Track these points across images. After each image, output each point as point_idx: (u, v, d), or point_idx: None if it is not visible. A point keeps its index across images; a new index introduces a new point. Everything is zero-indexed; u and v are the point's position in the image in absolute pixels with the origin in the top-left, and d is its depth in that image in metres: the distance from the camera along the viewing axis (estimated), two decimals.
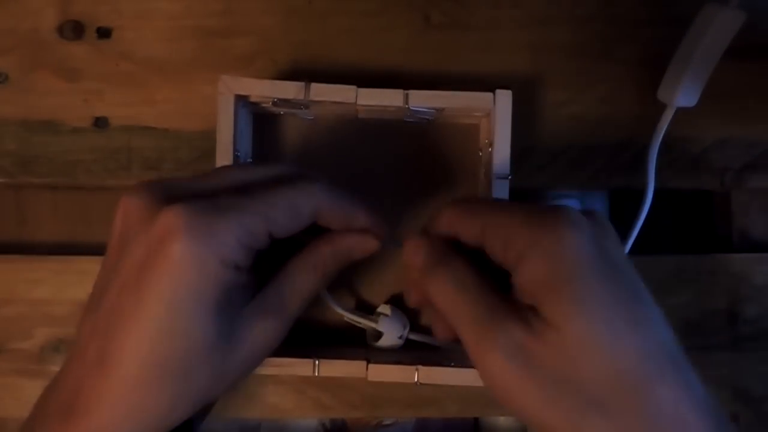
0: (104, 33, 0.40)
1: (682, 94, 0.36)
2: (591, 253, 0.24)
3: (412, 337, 0.36)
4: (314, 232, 0.30)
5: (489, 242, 0.27)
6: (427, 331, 0.37)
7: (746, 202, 0.41)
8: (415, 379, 0.33)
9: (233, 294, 0.25)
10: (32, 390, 0.39)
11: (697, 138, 0.40)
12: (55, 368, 0.38)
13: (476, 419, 0.42)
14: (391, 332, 0.36)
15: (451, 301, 0.27)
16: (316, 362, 0.33)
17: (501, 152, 0.33)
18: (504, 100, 0.34)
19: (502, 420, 0.41)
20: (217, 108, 0.33)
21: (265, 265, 0.28)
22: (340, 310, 0.35)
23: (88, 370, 0.24)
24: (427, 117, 0.36)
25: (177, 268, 0.23)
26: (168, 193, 0.25)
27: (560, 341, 0.23)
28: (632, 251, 0.37)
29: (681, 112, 0.37)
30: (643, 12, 0.40)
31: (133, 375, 0.23)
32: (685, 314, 0.39)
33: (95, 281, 0.27)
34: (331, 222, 0.29)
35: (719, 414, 0.23)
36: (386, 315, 0.36)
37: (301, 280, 0.29)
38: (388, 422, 0.41)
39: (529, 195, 0.42)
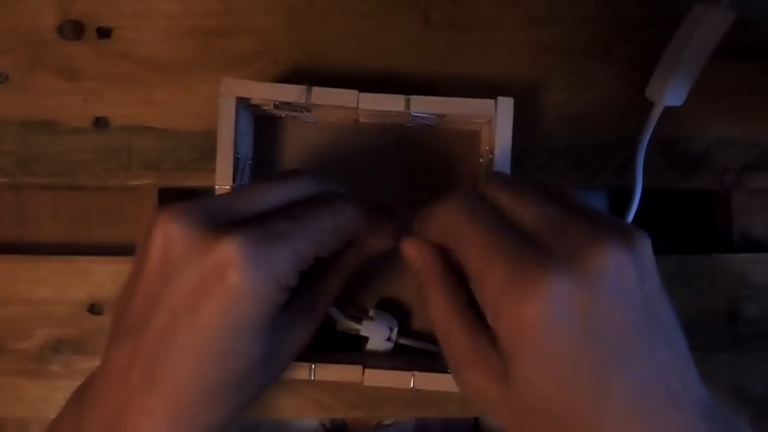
0: (104, 33, 0.40)
1: (669, 92, 0.36)
2: (564, 323, 0.22)
3: (403, 341, 0.36)
4: None
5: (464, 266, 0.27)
6: (418, 335, 0.37)
7: (746, 202, 0.41)
8: (411, 385, 0.33)
9: (280, 312, 0.26)
10: (32, 390, 0.39)
11: (697, 138, 0.40)
12: (56, 368, 0.39)
13: (476, 419, 0.42)
14: (376, 335, 0.36)
15: (443, 318, 0.28)
16: (312, 366, 0.33)
17: (501, 159, 0.33)
18: (505, 107, 0.34)
19: None
20: (218, 110, 0.33)
21: None
22: (335, 314, 0.35)
23: (134, 392, 0.24)
24: (428, 122, 0.36)
25: (237, 297, 0.24)
26: (213, 218, 0.25)
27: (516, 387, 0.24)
28: None
29: (681, 112, 0.37)
30: (643, 12, 0.40)
31: (187, 394, 0.24)
32: (685, 314, 0.39)
33: (119, 303, 0.27)
34: (360, 234, 0.30)
35: None
36: (370, 318, 0.36)
37: (329, 283, 0.30)
38: (388, 422, 0.41)
39: None
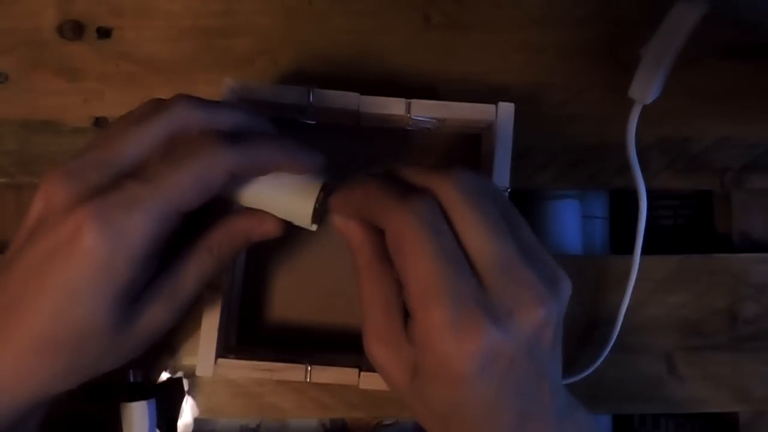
0: (104, 33, 0.40)
1: (639, 89, 0.35)
2: (485, 378, 0.25)
3: None
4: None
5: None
6: None
7: (746, 202, 0.41)
8: None
9: (135, 284, 0.26)
10: None
11: (697, 138, 0.40)
12: None
13: None
14: None
15: (370, 301, 0.28)
16: (309, 368, 0.33)
17: (501, 164, 0.33)
18: (506, 112, 0.34)
19: None
20: None
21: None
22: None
23: None
24: (428, 126, 0.36)
25: (83, 264, 0.24)
26: (85, 181, 0.25)
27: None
28: (632, 251, 0.37)
29: (681, 112, 0.37)
30: (643, 12, 0.40)
31: (27, 346, 0.25)
32: (685, 314, 0.39)
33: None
34: (254, 174, 0.28)
35: None
36: None
37: (195, 263, 0.29)
38: (388, 422, 0.41)
39: (529, 195, 0.42)
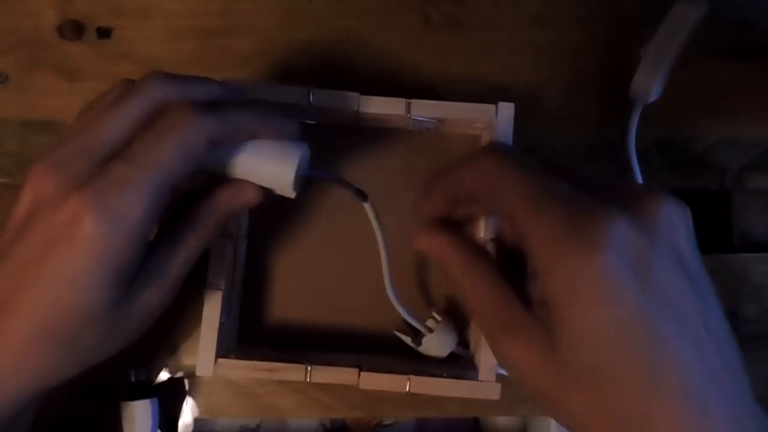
0: (104, 33, 0.40)
1: (639, 90, 0.35)
2: (624, 276, 0.22)
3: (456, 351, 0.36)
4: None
5: (507, 234, 0.28)
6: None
7: (746, 202, 0.41)
8: (407, 389, 0.33)
9: (133, 265, 0.26)
10: None
11: (697, 138, 0.40)
12: None
13: (476, 419, 0.42)
14: (440, 341, 0.35)
15: (478, 299, 0.27)
16: (309, 368, 0.33)
17: None
18: (506, 112, 0.34)
19: (502, 420, 0.41)
20: None
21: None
22: (399, 307, 0.35)
23: None
24: (428, 126, 0.36)
25: (86, 250, 0.24)
26: (71, 171, 0.25)
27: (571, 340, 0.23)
28: None
29: (681, 112, 0.37)
30: (643, 12, 0.40)
31: (26, 337, 0.25)
32: None
33: None
34: (233, 140, 0.28)
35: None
36: (437, 321, 0.35)
37: (184, 243, 0.29)
38: (388, 422, 0.41)
39: None
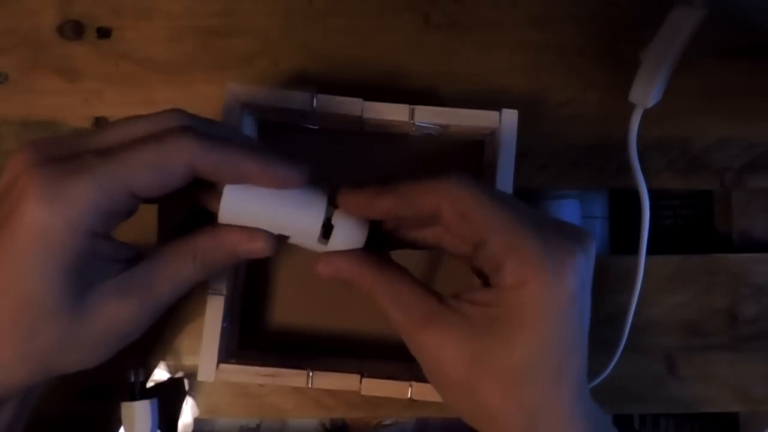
0: (104, 33, 0.40)
1: (639, 94, 0.36)
2: (578, 296, 0.26)
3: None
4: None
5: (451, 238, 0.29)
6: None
7: (746, 202, 0.41)
8: (409, 395, 0.33)
9: (91, 263, 0.25)
10: None
11: (697, 138, 0.40)
12: None
13: None
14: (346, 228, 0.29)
15: (393, 298, 0.28)
16: (310, 374, 0.33)
17: (504, 171, 0.33)
18: (509, 119, 0.34)
19: None
20: (221, 115, 0.33)
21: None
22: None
23: None
24: (431, 132, 0.36)
25: (24, 231, 0.24)
26: (51, 156, 0.25)
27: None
28: (632, 251, 0.37)
29: (681, 112, 0.37)
30: (643, 12, 0.40)
31: None
32: (685, 314, 0.39)
33: None
34: (222, 177, 0.27)
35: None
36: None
37: (175, 265, 0.27)
38: (388, 422, 0.41)
39: (529, 195, 0.42)
